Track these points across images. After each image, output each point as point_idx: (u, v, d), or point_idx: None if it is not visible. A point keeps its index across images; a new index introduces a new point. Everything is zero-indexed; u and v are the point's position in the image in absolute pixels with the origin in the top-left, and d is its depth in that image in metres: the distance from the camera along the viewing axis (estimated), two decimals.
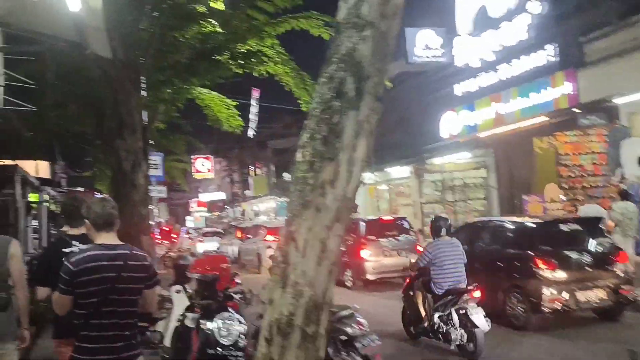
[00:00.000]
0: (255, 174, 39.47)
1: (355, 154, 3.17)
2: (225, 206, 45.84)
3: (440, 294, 7.05)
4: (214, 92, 12.82)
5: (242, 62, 8.33)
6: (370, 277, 12.86)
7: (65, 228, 4.45)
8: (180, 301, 6.86)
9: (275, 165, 39.41)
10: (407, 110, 20.21)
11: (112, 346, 2.98)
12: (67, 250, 3.84)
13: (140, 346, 3.22)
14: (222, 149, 42.78)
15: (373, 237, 13.20)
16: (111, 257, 3.02)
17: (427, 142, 18.46)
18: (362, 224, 13.51)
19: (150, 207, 8.42)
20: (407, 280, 8.07)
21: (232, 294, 6.10)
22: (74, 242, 4.04)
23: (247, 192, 39.12)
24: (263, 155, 39.92)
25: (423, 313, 7.39)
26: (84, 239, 3.85)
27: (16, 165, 10.33)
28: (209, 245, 27.34)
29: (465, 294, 6.80)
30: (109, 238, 3.13)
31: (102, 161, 21.15)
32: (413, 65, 16.80)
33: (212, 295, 5.96)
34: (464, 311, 6.73)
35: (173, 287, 6.95)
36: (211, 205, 48.06)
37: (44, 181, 16.84)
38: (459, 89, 16.31)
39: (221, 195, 47.57)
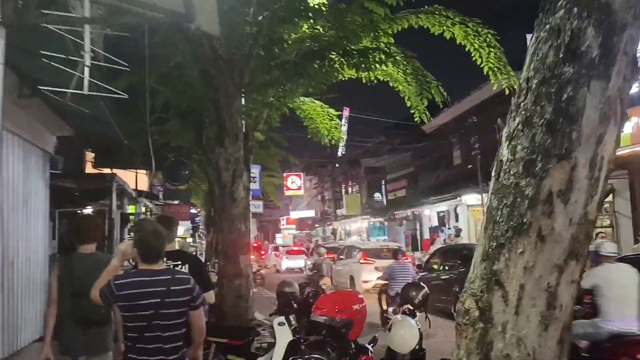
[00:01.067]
0: (347, 193, 38.53)
1: (600, 148, 1.97)
2: (315, 224, 45.20)
3: None
4: (316, 101, 11.97)
5: (357, 61, 7.31)
6: None
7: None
8: (283, 336, 5.83)
9: (367, 184, 38.29)
10: None
11: None
12: None
13: None
14: (313, 166, 42.34)
15: None
16: (154, 284, 3.05)
17: None
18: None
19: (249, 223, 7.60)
20: None
21: (366, 345, 4.99)
22: (165, 259, 3.86)
23: (339, 211, 38.22)
24: (355, 173, 38.95)
25: None
26: (173, 255, 4.09)
27: (114, 174, 9.87)
28: (292, 263, 26.78)
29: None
30: (158, 265, 3.18)
31: (197, 175, 21.09)
32: None
33: (343, 346, 4.82)
34: None
35: (275, 319, 5.94)
36: (300, 223, 47.65)
37: (140, 193, 16.76)
38: None
39: (310, 213, 47.06)
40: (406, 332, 5.40)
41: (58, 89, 5.67)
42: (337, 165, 39.23)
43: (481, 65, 8.82)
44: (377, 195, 35.57)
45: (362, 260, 16.67)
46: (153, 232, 3.25)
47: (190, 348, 3.39)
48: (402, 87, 9.80)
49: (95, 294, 3.19)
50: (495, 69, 8.85)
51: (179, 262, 4.18)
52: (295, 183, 39.12)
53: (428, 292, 6.29)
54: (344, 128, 36.57)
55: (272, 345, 6.67)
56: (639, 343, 5.17)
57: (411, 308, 5.95)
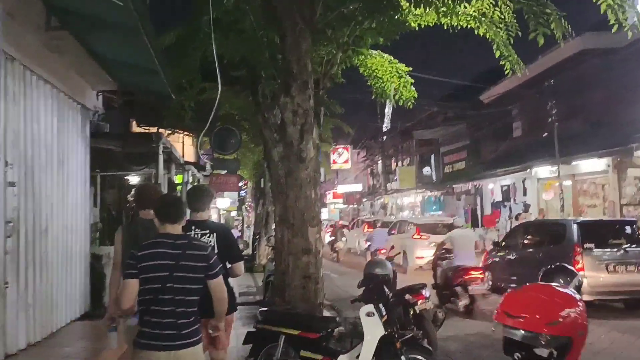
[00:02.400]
0: (401, 165, 36.83)
1: None
2: (363, 199, 43.83)
3: None
4: (385, 55, 10.49)
5: None
6: (585, 297, 9.69)
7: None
8: (372, 329, 4.58)
9: (420, 156, 36.59)
10: (619, 87, 16.42)
11: (167, 333, 3.05)
12: (187, 233, 3.95)
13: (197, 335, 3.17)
14: (361, 139, 40.78)
15: (591, 246, 9.95)
16: (171, 246, 3.14)
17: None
18: (575, 226, 10.30)
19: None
20: None
21: None
22: (193, 228, 4.24)
23: (390, 185, 36.64)
24: (407, 145, 37.25)
25: None
26: (201, 224, 4.30)
27: (160, 133, 8.74)
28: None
29: None
30: (173, 229, 3.23)
31: (245, 145, 20.06)
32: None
33: None
34: None
35: (363, 309, 4.68)
36: (348, 197, 46.30)
37: (187, 163, 15.88)
38: None
39: (358, 187, 45.63)
40: None
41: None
42: (384, 138, 37.40)
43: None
44: (426, 169, 33.84)
45: (416, 236, 16.03)
46: (170, 196, 3.70)
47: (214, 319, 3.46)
48: (491, 34, 8.29)
49: (113, 292, 3.40)
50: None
51: (207, 231, 4.22)
52: (342, 156, 37.69)
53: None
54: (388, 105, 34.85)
55: (349, 338, 5.45)
56: (467, 269, 9.77)
57: None
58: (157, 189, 5.03)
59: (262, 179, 19.24)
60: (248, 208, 36.92)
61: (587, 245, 9.79)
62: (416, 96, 11.21)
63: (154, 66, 6.46)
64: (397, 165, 38.50)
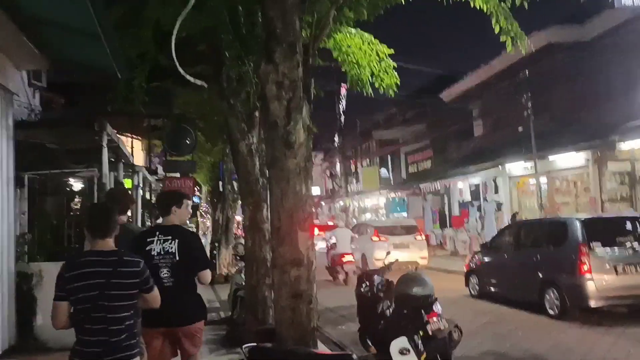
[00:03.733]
0: (363, 166, 35.76)
1: None
2: (321, 202, 42.65)
3: None
4: (365, 34, 9.29)
5: None
6: (594, 303, 8.76)
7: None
8: None
9: (380, 158, 35.82)
10: (591, 81, 15.83)
11: (97, 351, 3.03)
12: (150, 239, 4.15)
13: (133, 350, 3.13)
14: (319, 141, 39.59)
15: (598, 245, 9.03)
16: (100, 264, 3.08)
17: (619, 120, 14.05)
18: (579, 225, 9.30)
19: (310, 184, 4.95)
20: None
21: None
22: (157, 233, 4.21)
23: (351, 187, 35.52)
24: (367, 147, 36.32)
25: None
26: (165, 229, 4.25)
27: (104, 121, 7.16)
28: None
29: None
30: (103, 245, 3.16)
31: (201, 146, 18.53)
32: (619, 10, 12.44)
33: None
34: None
35: (395, 343, 3.38)
36: None
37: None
38: None
39: (315, 191, 44.45)
40: None
41: None
42: (342, 138, 36.23)
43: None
44: (383, 171, 33.01)
45: (374, 238, 16.14)
46: (97, 209, 3.41)
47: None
48: (490, 6, 7.24)
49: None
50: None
51: (169, 237, 4.11)
52: None
53: None
54: (342, 105, 33.80)
55: None
56: (342, 254, 14.36)
57: None
58: (127, 192, 5.09)
59: (221, 182, 17.67)
60: (203, 214, 35.04)
61: (593, 245, 8.87)
62: (399, 82, 10.04)
63: (93, 28, 5.00)
64: (356, 166, 37.51)
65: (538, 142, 15.74)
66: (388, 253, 7.33)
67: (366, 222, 20.17)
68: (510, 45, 7.62)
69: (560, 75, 17.00)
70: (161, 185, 19.24)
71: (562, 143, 15.16)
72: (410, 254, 15.18)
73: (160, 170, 20.10)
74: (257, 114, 8.22)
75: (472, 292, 11.97)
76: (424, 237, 17.30)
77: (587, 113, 16.46)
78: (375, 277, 6.55)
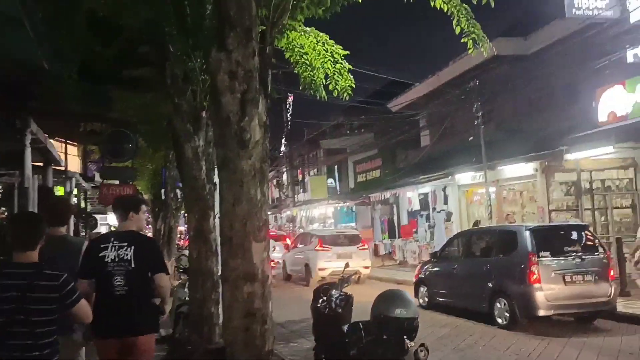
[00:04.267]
0: (310, 175, 35.27)
1: None
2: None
3: None
4: (322, 34, 8.86)
5: None
6: (543, 312, 8.69)
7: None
8: None
9: (327, 167, 35.55)
10: (540, 90, 16.01)
11: None
12: (104, 245, 4.06)
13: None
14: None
15: (547, 254, 8.92)
16: (17, 277, 2.98)
17: (563, 131, 14.23)
18: (527, 233, 9.18)
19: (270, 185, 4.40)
20: None
21: None
22: (112, 239, 4.12)
23: (299, 196, 34.93)
24: (314, 156, 35.93)
25: None
26: (121, 236, 4.15)
27: (27, 115, 6.33)
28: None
29: None
30: (25, 257, 3.07)
31: (142, 152, 17.58)
32: (571, 19, 12.53)
33: None
34: None
35: None
36: None
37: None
38: (635, 53, 11.90)
39: None
40: None
41: None
42: (286, 147, 35.76)
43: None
44: (329, 181, 32.74)
45: (318, 247, 16.07)
46: (23, 215, 3.70)
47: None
48: (451, 6, 7.00)
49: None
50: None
51: (125, 244, 4.02)
52: None
53: None
54: (289, 113, 33.36)
55: None
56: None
57: None
58: (69, 202, 4.86)
59: (163, 190, 16.76)
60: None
61: (542, 254, 8.84)
62: (354, 85, 9.65)
63: (13, 10, 4.29)
64: (304, 175, 37.03)
65: (487, 151, 15.76)
66: (346, 265, 6.83)
67: (309, 232, 19.97)
68: (472, 47, 7.40)
69: (505, 86, 17.17)
70: (98, 193, 18.11)
71: (510, 153, 15.21)
72: (353, 263, 15.54)
73: (98, 177, 18.94)
74: (204, 114, 7.60)
75: (422, 303, 11.82)
76: (367, 247, 17.44)
77: (531, 123, 16.66)
78: (333, 291, 6.05)
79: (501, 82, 17.46)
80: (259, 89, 4.20)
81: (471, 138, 16.58)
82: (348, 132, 33.37)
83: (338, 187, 31.38)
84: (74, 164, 19.40)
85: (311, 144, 35.25)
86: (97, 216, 21.38)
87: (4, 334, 2.93)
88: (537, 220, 14.61)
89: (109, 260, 3.99)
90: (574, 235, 9.59)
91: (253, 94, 4.15)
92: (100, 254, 3.99)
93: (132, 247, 4.02)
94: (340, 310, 5.87)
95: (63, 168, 12.27)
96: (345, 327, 5.80)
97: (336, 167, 34.66)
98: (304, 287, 15.79)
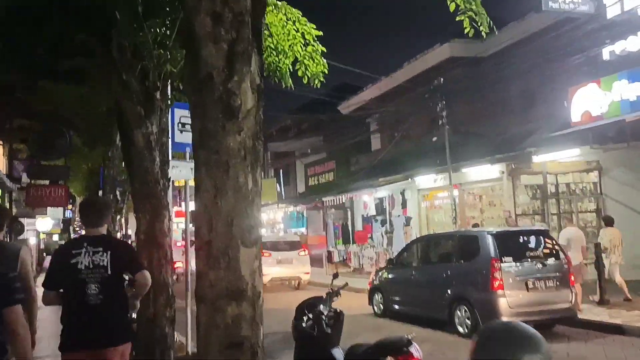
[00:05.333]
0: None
1: None
2: None
3: None
4: (294, 10, 7.85)
5: None
6: (506, 319, 8.36)
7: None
8: None
9: (275, 170, 34.47)
10: (508, 89, 15.58)
11: None
12: (76, 251, 3.76)
13: None
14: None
15: (509, 260, 8.67)
16: None
17: (533, 132, 13.82)
18: (490, 238, 8.84)
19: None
20: None
21: None
22: (85, 245, 3.81)
23: None
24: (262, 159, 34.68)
25: None
26: (94, 240, 3.82)
27: None
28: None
29: None
30: None
31: (77, 151, 15.96)
32: (545, 14, 12.03)
33: None
34: None
35: None
36: (194, 216, 42.14)
37: None
38: (610, 51, 11.48)
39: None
40: None
41: None
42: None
43: None
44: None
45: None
46: None
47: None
48: None
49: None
50: None
51: (100, 249, 3.74)
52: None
53: None
54: None
55: None
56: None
57: None
58: (4, 208, 5.13)
59: (101, 191, 15.16)
60: (77, 229, 31.35)
61: (505, 259, 8.55)
62: (327, 71, 8.66)
63: None
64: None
65: (440, 154, 15.23)
66: (335, 275, 5.82)
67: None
68: (468, 26, 6.62)
69: (461, 88, 16.71)
70: (25, 194, 16.31)
71: (471, 155, 14.64)
72: (293, 269, 15.62)
73: (25, 177, 17.06)
74: (158, 95, 6.40)
75: (376, 310, 11.47)
76: (306, 253, 17.23)
77: (490, 126, 16.25)
78: (321, 306, 5.01)
79: (457, 83, 16.98)
80: (251, 40, 3.11)
81: (435, 139, 15.95)
82: (295, 134, 32.43)
83: (283, 192, 30.35)
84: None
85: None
86: (24, 220, 19.33)
87: None
88: (503, 225, 14.08)
89: (83, 267, 3.67)
90: (535, 240, 9.26)
91: (244, 45, 3.06)
92: (72, 260, 3.68)
93: (109, 252, 3.73)
94: (329, 330, 4.86)
95: None
96: (335, 351, 4.81)
97: (281, 170, 33.58)
98: None
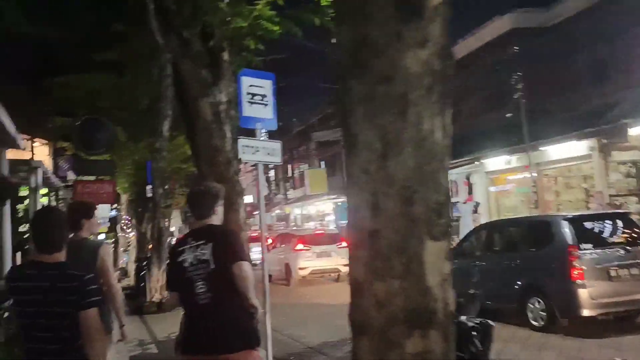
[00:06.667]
0: (300, 169, 32.69)
1: None
2: (255, 212, 39.46)
3: None
4: None
5: None
6: (587, 312, 7.61)
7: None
8: None
9: (319, 160, 33.20)
10: (578, 60, 13.93)
11: None
12: (181, 248, 3.55)
13: None
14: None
15: (589, 247, 7.70)
16: (39, 278, 2.71)
17: (621, 102, 12.18)
18: (565, 224, 7.86)
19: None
20: None
21: None
22: (189, 239, 3.50)
23: (292, 193, 32.34)
24: (305, 150, 33.54)
25: None
26: (197, 233, 3.52)
27: None
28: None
29: None
30: (50, 257, 2.75)
31: (122, 146, 15.12)
32: None
33: None
34: None
35: None
36: None
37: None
38: None
39: (247, 199, 41.13)
40: None
41: None
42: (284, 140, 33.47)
43: None
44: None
45: (297, 247, 15.98)
46: (44, 220, 2.92)
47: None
48: None
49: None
50: None
51: (202, 242, 3.39)
52: None
53: None
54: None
55: None
56: None
57: None
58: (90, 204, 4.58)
59: (150, 186, 14.20)
60: (124, 227, 30.90)
61: (583, 247, 7.64)
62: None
63: None
64: (293, 171, 34.52)
65: (516, 132, 13.68)
66: None
67: (290, 232, 19.59)
68: None
69: (526, 61, 15.15)
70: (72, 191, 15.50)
71: (551, 132, 13.05)
72: (332, 262, 15.46)
73: (71, 175, 16.37)
74: (225, 56, 5.19)
75: None
76: (345, 245, 15.73)
77: (561, 101, 14.61)
78: (463, 318, 3.78)
79: (524, 55, 15.41)
80: None
81: (509, 115, 14.38)
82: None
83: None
84: (43, 160, 16.82)
85: (301, 136, 32.86)
86: None
87: (26, 337, 2.74)
88: (596, 208, 12.49)
89: (188, 265, 3.38)
90: (616, 224, 8.26)
91: None
92: (179, 259, 3.41)
93: (210, 244, 3.36)
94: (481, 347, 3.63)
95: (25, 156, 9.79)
96: None
97: (323, 162, 32.35)
98: (286, 286, 15.71)
